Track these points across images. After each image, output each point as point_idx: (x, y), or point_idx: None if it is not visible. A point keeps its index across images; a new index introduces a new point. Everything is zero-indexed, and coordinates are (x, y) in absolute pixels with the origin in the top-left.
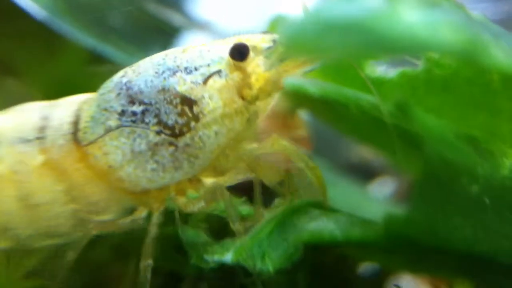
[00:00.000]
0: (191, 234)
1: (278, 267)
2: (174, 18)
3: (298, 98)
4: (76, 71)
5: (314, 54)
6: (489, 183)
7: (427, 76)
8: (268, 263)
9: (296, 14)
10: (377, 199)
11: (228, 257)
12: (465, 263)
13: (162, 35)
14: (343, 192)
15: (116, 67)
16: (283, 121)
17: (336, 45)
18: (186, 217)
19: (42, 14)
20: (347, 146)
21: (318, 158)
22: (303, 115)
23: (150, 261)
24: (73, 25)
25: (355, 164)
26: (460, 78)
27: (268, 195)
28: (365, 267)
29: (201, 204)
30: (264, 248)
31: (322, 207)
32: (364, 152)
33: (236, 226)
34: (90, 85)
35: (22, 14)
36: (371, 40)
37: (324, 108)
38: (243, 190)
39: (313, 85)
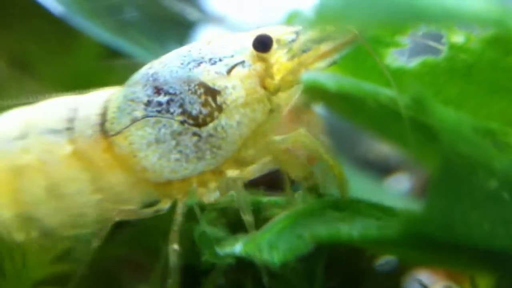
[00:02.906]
0: (205, 230)
1: (283, 259)
2: (190, 12)
3: (314, 92)
4: (92, 66)
5: (341, 24)
6: (507, 177)
7: (449, 65)
8: (274, 254)
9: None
10: (394, 195)
11: (237, 248)
12: (485, 256)
13: (178, 29)
14: (359, 187)
15: (132, 62)
16: (297, 115)
17: (364, 15)
18: (201, 213)
19: (57, 9)
20: (364, 142)
21: (334, 153)
22: (318, 109)
23: (176, 246)
24: (88, 19)
25: (372, 159)
26: (484, 63)
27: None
28: (383, 260)
29: (216, 194)
30: (273, 240)
31: (340, 208)
32: (381, 148)
33: (246, 217)
34: (106, 80)
35: (37, 9)
36: (399, 9)
37: (341, 102)
38: (265, 184)
39: (330, 79)
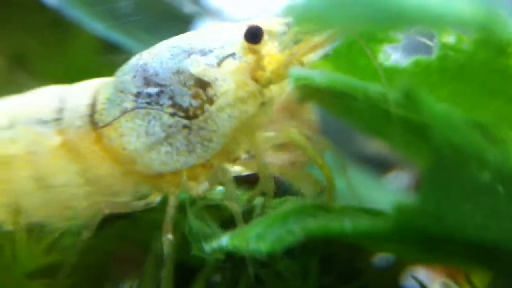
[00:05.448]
0: (195, 225)
1: (270, 249)
2: (187, 5)
3: (307, 90)
4: (89, 61)
5: (323, 26)
6: (499, 170)
7: (441, 64)
8: (261, 244)
9: None
10: (391, 191)
11: (224, 240)
12: (480, 252)
13: (175, 23)
14: (356, 184)
15: (129, 56)
16: (291, 113)
17: (346, 17)
18: (191, 208)
19: (54, 2)
20: (362, 139)
21: (332, 150)
22: (314, 107)
23: (170, 236)
24: (85, 13)
25: (370, 156)
26: (476, 63)
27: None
28: (380, 257)
29: (205, 185)
30: (262, 233)
31: (329, 209)
32: (380, 145)
33: (234, 205)
34: (103, 75)
35: (33, 4)
36: (381, 12)
37: (333, 102)
38: (252, 182)
39: (321, 76)
